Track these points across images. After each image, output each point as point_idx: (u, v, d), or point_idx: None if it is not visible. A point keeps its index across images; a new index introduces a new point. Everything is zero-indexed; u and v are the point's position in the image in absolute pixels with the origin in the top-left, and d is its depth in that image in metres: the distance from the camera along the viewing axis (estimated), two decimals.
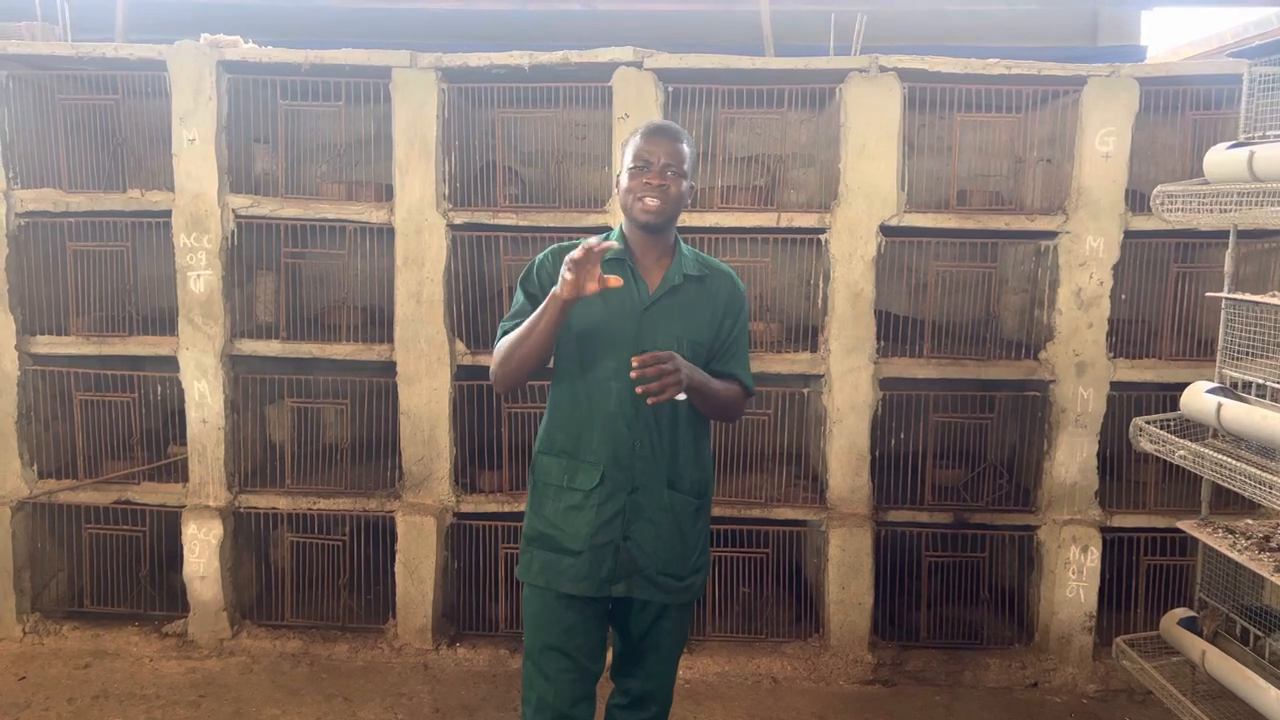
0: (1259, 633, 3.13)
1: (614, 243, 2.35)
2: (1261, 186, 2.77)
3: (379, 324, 4.42)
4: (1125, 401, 4.11)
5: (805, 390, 4.38)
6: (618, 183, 2.58)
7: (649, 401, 2.37)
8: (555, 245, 2.66)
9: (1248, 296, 3.02)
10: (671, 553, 2.59)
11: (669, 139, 2.52)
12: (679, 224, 4.00)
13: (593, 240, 2.32)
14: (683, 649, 2.81)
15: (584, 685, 2.62)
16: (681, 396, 2.47)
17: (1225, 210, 2.87)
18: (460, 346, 4.25)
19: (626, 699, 2.75)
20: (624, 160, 2.56)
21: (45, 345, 4.31)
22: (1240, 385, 3.11)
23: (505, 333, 2.58)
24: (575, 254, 2.30)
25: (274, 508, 4.36)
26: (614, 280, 2.34)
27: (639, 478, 2.55)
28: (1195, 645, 3.17)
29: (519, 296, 2.63)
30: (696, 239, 4.09)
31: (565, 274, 2.32)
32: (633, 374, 2.35)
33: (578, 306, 2.48)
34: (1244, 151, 2.87)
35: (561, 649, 2.58)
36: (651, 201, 2.49)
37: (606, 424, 2.54)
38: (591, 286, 2.33)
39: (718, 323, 2.62)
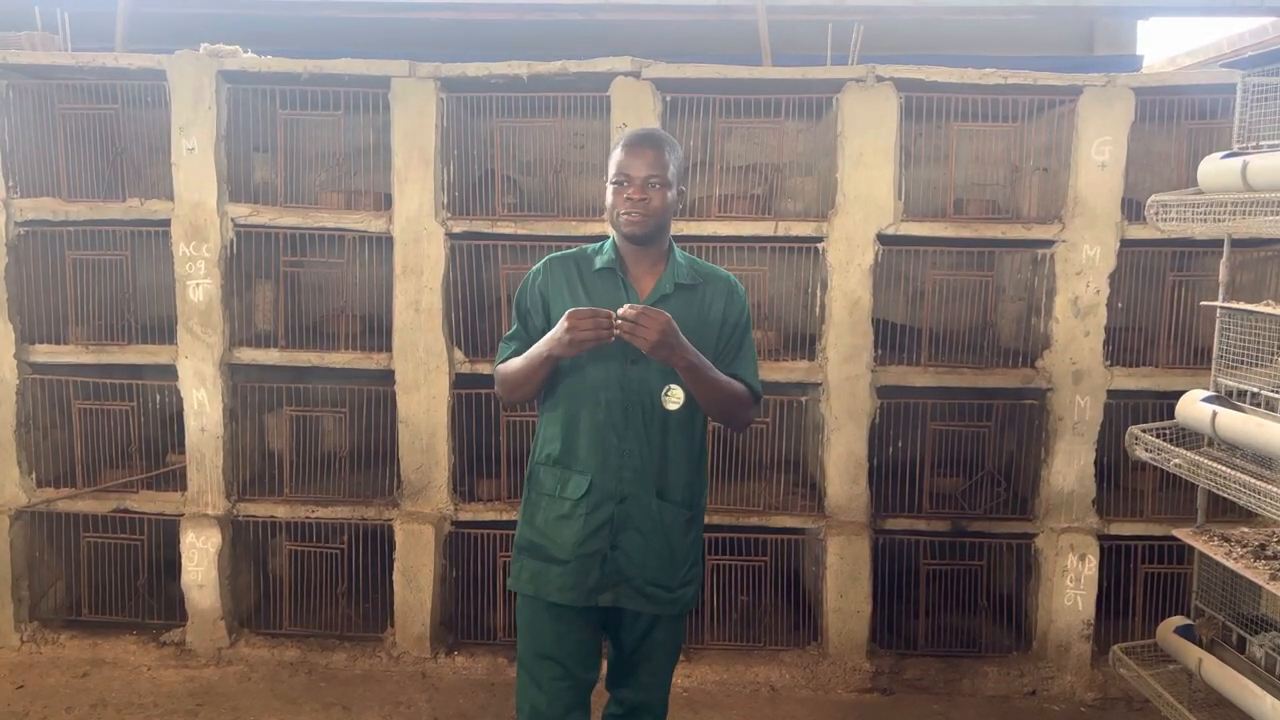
0: (1247, 635, 3.13)
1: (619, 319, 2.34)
2: (1255, 196, 2.78)
3: (377, 332, 4.42)
4: (1122, 409, 4.11)
5: (803, 398, 4.38)
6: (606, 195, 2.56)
7: (617, 332, 2.33)
8: (549, 256, 2.65)
9: (1243, 305, 3.03)
10: (660, 564, 2.56)
11: (650, 148, 2.49)
12: (677, 232, 4.07)
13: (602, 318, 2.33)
14: (677, 660, 2.79)
15: (577, 694, 2.61)
16: (673, 406, 2.47)
17: (1219, 220, 2.88)
18: (459, 355, 4.26)
19: (621, 709, 2.74)
20: (608, 172, 2.54)
21: (44, 354, 4.31)
22: (1235, 394, 3.12)
23: (504, 356, 2.63)
24: (582, 324, 2.32)
25: (272, 516, 4.36)
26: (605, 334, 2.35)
27: (627, 487, 2.53)
28: (1192, 653, 3.17)
29: (515, 314, 2.66)
30: (694, 248, 4.09)
31: (574, 329, 2.33)
32: (620, 312, 2.32)
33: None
34: (1238, 161, 2.88)
35: (553, 657, 2.57)
36: (634, 216, 2.47)
37: (595, 433, 2.52)
38: (586, 344, 2.37)
39: (715, 330, 2.58)
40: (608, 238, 2.65)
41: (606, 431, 2.52)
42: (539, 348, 2.47)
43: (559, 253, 2.66)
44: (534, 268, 2.64)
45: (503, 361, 2.64)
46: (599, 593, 2.54)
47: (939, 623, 4.35)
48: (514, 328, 2.66)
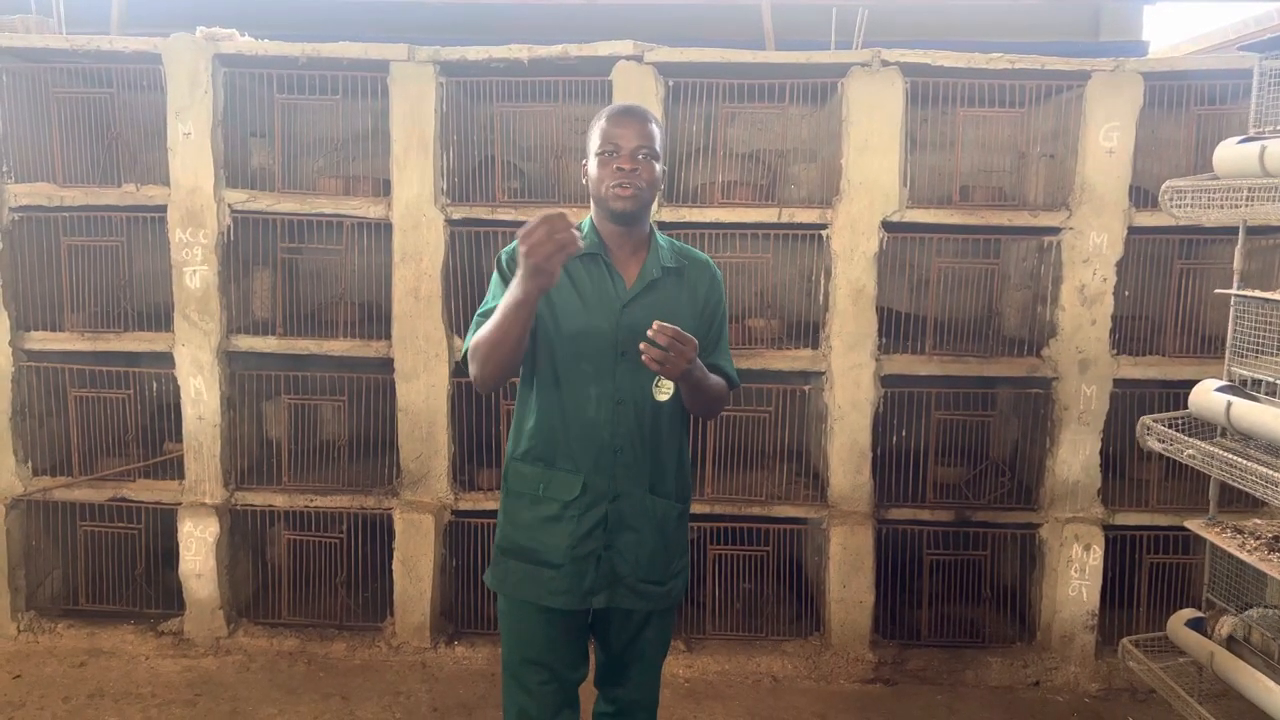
0: (1258, 626, 3.11)
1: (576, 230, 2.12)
2: (1273, 182, 2.74)
3: (376, 320, 4.38)
4: (1128, 399, 4.08)
5: (806, 387, 4.34)
6: (585, 172, 2.44)
7: (644, 359, 2.18)
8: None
9: (1258, 293, 2.99)
10: (653, 560, 2.49)
11: (637, 120, 2.37)
12: (680, 220, 4.03)
13: (552, 215, 2.06)
14: (666, 654, 2.74)
15: (565, 694, 2.56)
16: (664, 397, 2.39)
17: (1235, 206, 2.84)
18: (458, 343, 4.21)
19: (614, 707, 2.69)
20: (590, 146, 2.40)
21: (40, 341, 4.27)
22: (1249, 383, 3.08)
23: (478, 327, 2.39)
24: (536, 237, 2.04)
25: (271, 505, 4.32)
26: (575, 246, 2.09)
27: (621, 485, 2.44)
28: (1203, 647, 3.14)
29: (494, 283, 2.46)
30: (696, 235, 4.06)
31: (532, 252, 2.06)
32: (650, 333, 2.17)
33: (551, 304, 2.39)
34: (1255, 146, 2.83)
35: (541, 662, 2.51)
36: (626, 189, 2.33)
37: (586, 430, 2.42)
38: (556, 259, 2.08)
39: (698, 315, 2.48)
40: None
41: (598, 428, 2.41)
42: (507, 297, 2.20)
43: None
44: (511, 244, 2.39)
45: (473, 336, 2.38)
46: (593, 595, 2.47)
47: (942, 613, 4.33)
48: (488, 302, 2.41)
